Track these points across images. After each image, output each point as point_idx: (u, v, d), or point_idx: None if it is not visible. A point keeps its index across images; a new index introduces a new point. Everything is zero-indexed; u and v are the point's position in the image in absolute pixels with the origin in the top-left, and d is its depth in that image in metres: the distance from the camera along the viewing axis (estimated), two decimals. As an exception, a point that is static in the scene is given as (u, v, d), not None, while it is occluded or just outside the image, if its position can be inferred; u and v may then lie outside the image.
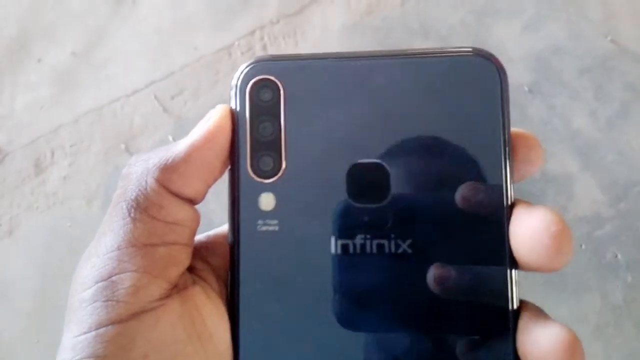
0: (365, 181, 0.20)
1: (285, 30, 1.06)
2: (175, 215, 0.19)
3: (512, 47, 1.01)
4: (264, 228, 0.20)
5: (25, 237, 0.87)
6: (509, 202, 0.21)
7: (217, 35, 1.06)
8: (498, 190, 0.21)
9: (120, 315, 0.17)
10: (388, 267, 0.20)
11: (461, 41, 1.02)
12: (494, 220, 0.20)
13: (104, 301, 0.17)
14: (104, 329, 0.17)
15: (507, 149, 0.21)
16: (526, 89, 0.97)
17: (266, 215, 0.20)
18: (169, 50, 1.05)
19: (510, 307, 0.20)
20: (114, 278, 0.18)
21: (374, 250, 0.19)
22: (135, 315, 0.17)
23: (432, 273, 0.20)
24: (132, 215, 0.18)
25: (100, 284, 0.18)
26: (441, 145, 0.20)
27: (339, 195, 0.20)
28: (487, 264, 0.20)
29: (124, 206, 0.19)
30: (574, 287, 0.85)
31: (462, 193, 0.20)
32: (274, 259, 0.20)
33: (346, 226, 0.19)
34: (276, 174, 0.20)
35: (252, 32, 1.06)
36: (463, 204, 0.20)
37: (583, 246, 0.87)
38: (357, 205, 0.20)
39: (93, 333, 0.17)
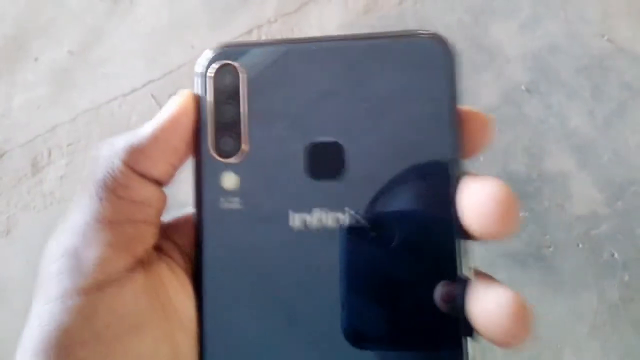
0: (321, 159, 0.21)
1: (282, 29, 1.06)
2: (141, 195, 0.20)
3: (509, 46, 1.01)
4: (227, 206, 0.21)
5: (22, 237, 0.87)
6: (458, 174, 0.21)
7: (215, 34, 1.05)
8: (447, 163, 0.21)
9: (85, 286, 0.18)
10: (344, 240, 0.21)
11: (458, 40, 1.02)
12: (443, 191, 0.21)
13: (69, 272, 0.18)
14: (68, 298, 0.18)
15: (456, 124, 0.21)
16: (523, 88, 0.97)
17: (228, 193, 0.21)
18: (167, 49, 1.04)
19: (459, 273, 0.21)
20: (79, 251, 0.19)
21: (331, 224, 0.20)
22: (100, 286, 0.18)
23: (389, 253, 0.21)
24: (99, 194, 0.19)
25: (66, 257, 0.19)
26: (393, 122, 0.21)
27: (297, 173, 0.21)
28: (438, 233, 0.21)
29: (92, 187, 0.19)
30: (571, 286, 0.85)
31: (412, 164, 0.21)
32: (236, 236, 0.20)
33: (304, 201, 0.20)
34: (237, 154, 0.21)
35: (250, 31, 1.05)
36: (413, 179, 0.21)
37: (580, 245, 0.87)
38: (314, 181, 0.21)
39: (58, 302, 0.18)
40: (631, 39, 0.99)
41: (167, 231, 0.22)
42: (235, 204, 0.21)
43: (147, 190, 0.20)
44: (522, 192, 0.91)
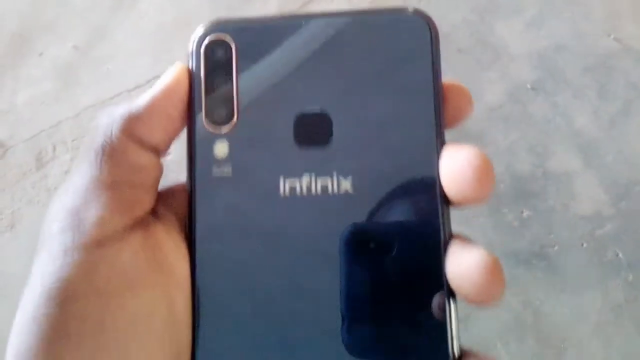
0: (309, 128, 0.22)
1: (287, 27, 1.05)
2: (139, 161, 0.21)
3: (514, 44, 1.01)
4: (218, 174, 0.22)
5: (27, 232, 0.87)
6: (440, 143, 0.22)
7: (219, 31, 1.05)
8: (429, 132, 0.22)
9: (86, 243, 0.19)
10: (331, 204, 0.22)
11: (463, 37, 1.02)
12: (425, 158, 0.22)
13: (70, 231, 0.19)
14: (69, 254, 0.19)
15: (437, 96, 0.23)
16: (529, 86, 0.97)
17: (220, 162, 0.22)
18: (171, 46, 1.04)
19: (442, 237, 0.22)
20: (80, 211, 0.19)
21: (319, 189, 0.21)
22: (99, 243, 0.19)
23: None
24: (98, 159, 0.20)
25: (67, 218, 0.20)
26: (378, 93, 0.22)
27: (286, 141, 0.22)
28: (422, 199, 0.22)
29: (91, 153, 0.20)
30: (574, 286, 0.85)
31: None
32: (228, 202, 0.22)
33: (293, 168, 0.22)
34: (229, 124, 0.22)
35: (255, 28, 1.05)
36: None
37: (584, 245, 0.87)
38: (303, 149, 0.22)
39: (60, 259, 0.19)
40: (637, 38, 0.99)
41: (162, 197, 0.23)
42: (226, 171, 0.22)
43: (144, 157, 0.21)
44: (526, 191, 0.91)
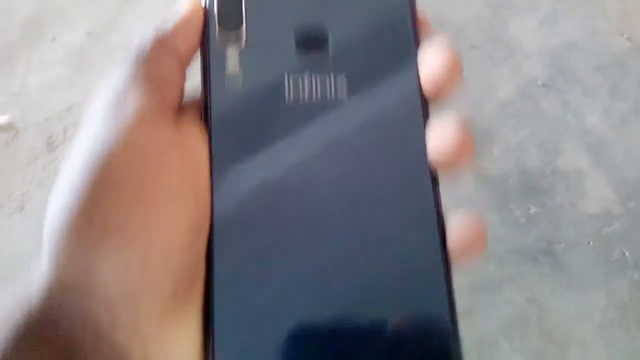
0: (308, 40, 0.25)
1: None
2: (169, 68, 0.23)
3: (527, 41, 1.00)
4: (230, 82, 0.24)
5: (37, 213, 0.87)
6: (416, 45, 0.25)
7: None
8: (406, 38, 0.25)
9: (124, 125, 0.21)
10: (330, 112, 0.24)
11: (476, 33, 1.01)
12: (403, 58, 0.25)
13: (110, 117, 0.21)
14: (109, 133, 0.21)
15: (412, 9, 0.26)
16: (540, 83, 0.97)
17: (232, 71, 0.24)
18: (184, 33, 1.05)
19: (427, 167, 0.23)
20: (119, 101, 0.22)
21: (319, 88, 0.24)
22: (137, 126, 0.21)
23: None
24: (133, 63, 0.23)
25: (106, 107, 0.22)
26: (365, 9, 0.26)
27: (290, 53, 0.25)
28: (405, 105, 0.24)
29: (127, 58, 0.23)
30: (580, 283, 0.85)
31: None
32: (239, 109, 0.24)
33: (296, 68, 0.24)
34: (239, 43, 0.24)
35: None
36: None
37: (591, 243, 0.87)
38: (304, 55, 0.25)
39: (99, 138, 0.21)
40: (651, 38, 0.98)
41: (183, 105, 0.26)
42: (237, 84, 0.24)
43: (173, 65, 0.24)
44: (534, 188, 0.91)
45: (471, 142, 0.22)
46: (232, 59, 0.24)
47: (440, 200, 0.23)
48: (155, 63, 0.23)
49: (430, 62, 0.23)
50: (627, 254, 0.86)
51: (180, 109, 0.24)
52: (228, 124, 0.24)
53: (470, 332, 0.78)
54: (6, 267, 0.83)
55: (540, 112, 0.95)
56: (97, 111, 0.22)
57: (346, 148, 0.23)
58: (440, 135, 0.23)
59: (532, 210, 0.89)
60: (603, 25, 1.00)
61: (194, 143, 0.23)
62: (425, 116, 0.24)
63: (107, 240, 0.20)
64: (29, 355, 0.19)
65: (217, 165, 0.23)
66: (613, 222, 0.88)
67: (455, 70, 0.23)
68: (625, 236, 0.87)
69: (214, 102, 0.24)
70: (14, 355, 0.18)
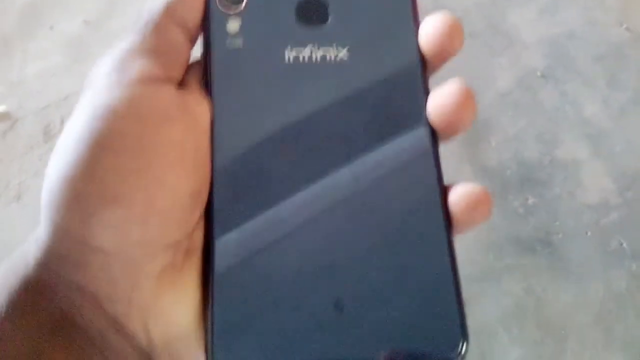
0: (310, 10, 0.25)
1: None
2: (176, 38, 0.24)
3: (526, 31, 1.00)
4: (231, 46, 0.24)
5: (33, 203, 0.87)
6: (415, 25, 0.25)
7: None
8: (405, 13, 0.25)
9: (129, 80, 0.21)
10: (329, 70, 0.25)
11: (475, 22, 1.01)
12: (403, 30, 0.25)
13: (115, 72, 0.21)
14: (114, 88, 0.21)
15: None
16: (539, 74, 0.97)
17: (232, 36, 0.25)
18: (182, 22, 1.04)
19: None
20: (125, 61, 0.22)
21: (319, 58, 0.24)
22: (142, 81, 0.22)
23: None
24: (142, 31, 0.23)
25: (112, 65, 0.22)
26: None
27: (290, 19, 0.25)
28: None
29: (136, 27, 0.23)
30: (578, 274, 0.85)
31: None
32: (239, 70, 0.24)
33: (297, 38, 0.25)
34: (239, 6, 0.25)
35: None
36: None
37: (589, 233, 0.87)
38: (305, 24, 0.25)
39: (104, 92, 0.21)
40: (650, 28, 0.98)
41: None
42: (237, 44, 0.24)
43: (180, 36, 0.24)
44: (533, 179, 0.90)
45: (471, 99, 0.22)
46: (233, 21, 0.25)
47: (439, 161, 0.23)
48: (163, 32, 0.23)
49: (431, 24, 0.23)
50: (624, 244, 0.86)
51: (185, 77, 0.24)
52: (229, 84, 0.24)
53: (469, 322, 0.78)
54: (3, 255, 0.83)
55: (539, 102, 0.95)
56: (100, 76, 0.22)
57: (346, 107, 0.24)
58: (440, 93, 0.23)
59: (530, 200, 0.89)
60: (602, 15, 1.00)
61: (197, 109, 0.23)
62: (424, 79, 0.24)
63: (105, 209, 0.19)
64: (23, 321, 0.18)
65: (218, 126, 0.23)
66: (611, 213, 0.88)
67: (455, 30, 0.23)
68: (623, 226, 0.87)
69: (215, 63, 0.24)
70: (8, 321, 0.18)
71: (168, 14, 0.23)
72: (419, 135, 0.23)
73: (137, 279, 0.20)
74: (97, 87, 0.21)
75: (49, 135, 0.94)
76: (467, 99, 0.22)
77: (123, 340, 0.20)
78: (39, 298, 0.19)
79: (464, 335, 0.22)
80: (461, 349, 0.21)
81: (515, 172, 0.91)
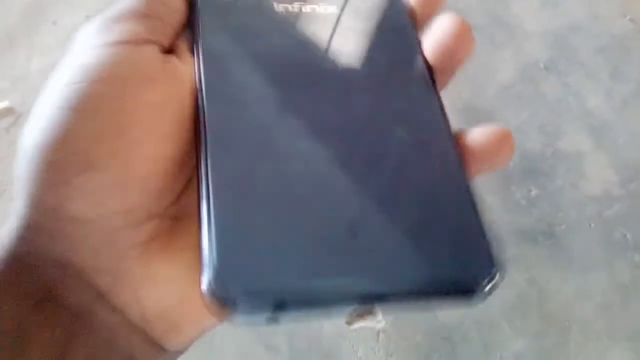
0: None
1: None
2: (174, 2, 0.23)
3: (529, 22, 1.00)
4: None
5: (38, 198, 0.88)
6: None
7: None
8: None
9: (110, 41, 0.20)
10: (322, 22, 0.24)
11: (478, 14, 1.01)
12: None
13: (97, 33, 0.21)
14: (94, 49, 0.20)
15: None
16: (542, 65, 0.97)
17: None
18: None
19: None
20: (110, 20, 0.21)
21: (309, 9, 0.24)
22: (122, 42, 0.21)
23: None
24: None
25: (98, 23, 0.21)
26: None
27: None
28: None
29: None
30: (581, 265, 0.85)
31: None
32: (229, 19, 0.24)
33: None
34: None
35: None
36: None
37: (592, 225, 0.87)
38: None
39: (84, 53, 0.20)
40: (653, 19, 0.98)
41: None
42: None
43: (177, 1, 0.23)
44: (536, 170, 0.90)
45: (469, 32, 0.22)
46: None
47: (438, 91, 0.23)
48: (151, 5, 0.22)
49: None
50: (627, 235, 0.86)
51: (176, 42, 0.23)
52: (217, 36, 0.23)
53: (471, 313, 0.79)
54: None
55: (542, 94, 0.95)
56: (81, 39, 0.21)
57: (341, 51, 0.23)
58: (436, 29, 0.22)
59: (533, 192, 0.89)
60: (605, 6, 1.00)
61: (182, 71, 0.22)
62: (416, 28, 0.24)
63: (78, 175, 0.18)
64: (6, 297, 0.18)
65: (207, 71, 0.22)
66: (614, 204, 0.88)
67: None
68: (626, 218, 0.87)
69: (202, 15, 0.23)
70: None
71: None
72: (417, 67, 0.23)
73: (121, 249, 0.19)
74: (76, 49, 0.20)
75: (53, 130, 0.94)
76: (462, 29, 0.22)
77: (113, 314, 0.19)
78: (21, 273, 0.18)
79: (493, 263, 0.19)
80: (490, 278, 0.19)
81: (518, 164, 0.91)
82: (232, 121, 0.21)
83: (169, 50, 0.23)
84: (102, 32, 0.21)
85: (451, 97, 0.91)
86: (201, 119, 0.20)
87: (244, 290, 0.17)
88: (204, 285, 0.17)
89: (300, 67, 0.22)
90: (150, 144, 0.19)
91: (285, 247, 0.18)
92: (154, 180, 0.19)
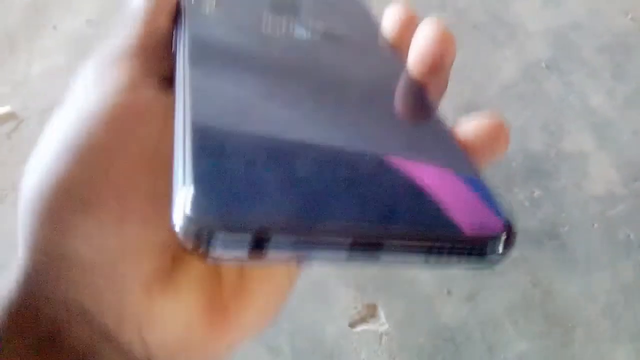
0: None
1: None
2: (165, 24, 0.23)
3: (530, 21, 0.99)
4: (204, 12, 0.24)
5: (40, 202, 0.87)
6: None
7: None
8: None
9: (107, 90, 0.21)
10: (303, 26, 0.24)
11: (479, 13, 1.00)
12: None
13: (95, 76, 0.21)
14: (92, 100, 0.21)
15: None
16: (543, 65, 0.96)
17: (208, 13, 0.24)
18: (184, 20, 1.04)
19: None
20: (105, 63, 0.22)
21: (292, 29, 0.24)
22: (120, 91, 0.21)
23: None
24: (132, 24, 0.23)
25: (94, 68, 0.22)
26: None
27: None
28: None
29: (127, 19, 0.23)
30: (584, 266, 0.85)
31: None
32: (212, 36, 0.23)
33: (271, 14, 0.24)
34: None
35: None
36: None
37: (595, 225, 0.87)
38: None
39: (80, 101, 0.21)
40: (656, 17, 0.97)
41: None
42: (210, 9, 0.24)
43: (166, 21, 0.23)
44: (538, 170, 0.90)
45: (452, 39, 0.22)
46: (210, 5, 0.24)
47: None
48: (150, 22, 0.23)
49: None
50: (631, 235, 0.86)
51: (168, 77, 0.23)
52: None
53: (475, 314, 0.78)
54: (10, 255, 0.83)
55: (544, 93, 0.95)
56: (78, 81, 0.21)
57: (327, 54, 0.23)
58: (418, 38, 0.22)
59: (536, 193, 0.88)
60: (607, 5, 0.99)
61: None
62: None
63: (76, 217, 0.18)
64: (10, 346, 0.18)
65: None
66: (617, 204, 0.88)
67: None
68: (629, 218, 0.87)
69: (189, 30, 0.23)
70: None
71: (147, 21, 0.23)
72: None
73: (123, 288, 0.19)
74: (74, 93, 0.21)
75: (54, 134, 0.94)
76: (445, 36, 0.22)
77: (117, 353, 0.19)
78: (23, 321, 0.18)
79: (503, 216, 0.17)
80: (500, 234, 0.17)
81: (521, 164, 0.90)
82: (213, 56, 0.21)
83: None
84: (99, 78, 0.21)
85: (452, 96, 0.91)
86: (180, 58, 0.21)
87: (223, 217, 0.14)
88: (177, 215, 0.15)
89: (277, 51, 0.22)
90: (143, 178, 0.19)
91: (268, 173, 0.16)
92: (149, 214, 0.19)
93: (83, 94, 0.21)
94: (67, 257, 0.18)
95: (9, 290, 0.18)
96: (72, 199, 0.18)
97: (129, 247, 0.19)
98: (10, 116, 0.96)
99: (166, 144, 0.19)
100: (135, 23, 0.22)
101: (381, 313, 0.77)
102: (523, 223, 0.86)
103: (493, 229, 0.17)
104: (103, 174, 0.19)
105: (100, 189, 0.19)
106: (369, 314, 0.78)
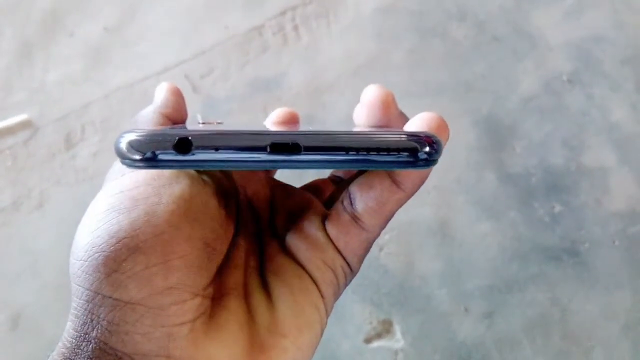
0: None
1: (317, 11, 1.04)
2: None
3: (551, 34, 0.98)
4: None
5: (55, 211, 0.88)
6: None
7: (248, 15, 1.04)
8: None
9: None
10: None
11: (499, 25, 0.99)
12: None
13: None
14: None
15: None
16: (565, 78, 0.95)
17: None
18: (201, 29, 1.04)
19: None
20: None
21: None
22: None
23: None
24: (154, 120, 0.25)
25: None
26: None
27: None
28: None
29: (149, 113, 0.25)
30: (604, 284, 0.83)
31: None
32: None
33: None
34: None
35: (284, 13, 1.04)
36: None
37: (616, 242, 0.85)
38: None
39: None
40: (681, 30, 0.96)
41: None
42: None
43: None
44: (559, 186, 0.89)
45: (444, 124, 0.22)
46: None
47: None
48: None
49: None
50: (653, 253, 0.84)
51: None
52: None
53: (493, 332, 0.77)
54: (25, 263, 0.83)
55: (565, 107, 0.93)
56: (115, 170, 0.23)
57: None
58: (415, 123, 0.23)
59: (556, 208, 0.87)
60: (630, 17, 0.98)
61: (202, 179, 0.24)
62: None
63: (126, 260, 0.20)
64: None
65: None
66: (639, 221, 0.86)
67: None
68: (652, 235, 0.85)
69: None
70: None
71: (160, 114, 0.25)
72: None
73: (170, 329, 0.20)
74: (110, 177, 0.23)
75: (70, 143, 0.94)
76: (439, 123, 0.23)
77: None
78: None
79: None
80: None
81: (541, 179, 0.89)
82: None
83: None
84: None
85: (472, 109, 0.90)
86: None
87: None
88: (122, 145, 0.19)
89: None
90: (185, 226, 0.21)
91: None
92: (192, 258, 0.21)
93: (119, 176, 0.23)
94: (119, 299, 0.20)
95: (63, 351, 0.20)
96: (122, 246, 0.20)
97: (174, 288, 0.21)
98: (26, 124, 0.96)
99: (197, 203, 0.22)
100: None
101: (397, 329, 0.76)
102: (543, 240, 0.85)
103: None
104: (149, 223, 0.21)
105: (148, 236, 0.20)
106: (385, 329, 0.77)
